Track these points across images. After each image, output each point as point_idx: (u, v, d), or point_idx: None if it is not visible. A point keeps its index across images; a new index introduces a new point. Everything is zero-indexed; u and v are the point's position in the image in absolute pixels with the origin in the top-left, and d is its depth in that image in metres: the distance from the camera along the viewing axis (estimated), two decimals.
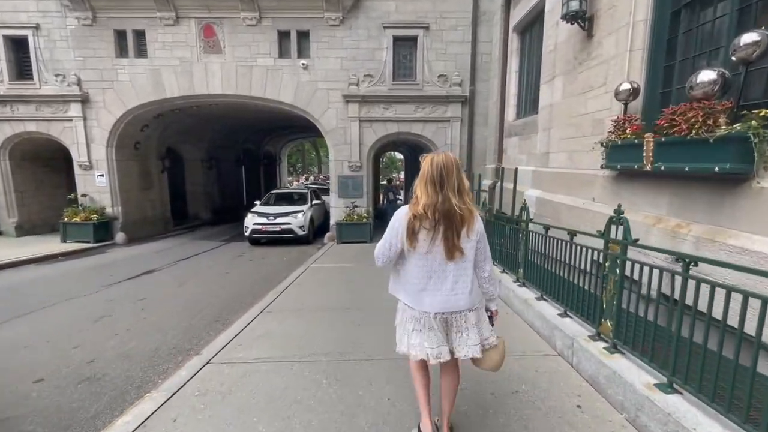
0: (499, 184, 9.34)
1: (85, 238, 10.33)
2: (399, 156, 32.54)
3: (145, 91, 10.31)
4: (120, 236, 10.90)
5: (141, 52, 10.29)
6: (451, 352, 1.99)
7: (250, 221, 10.43)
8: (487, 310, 2.14)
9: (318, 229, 11.78)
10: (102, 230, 10.61)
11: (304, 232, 10.60)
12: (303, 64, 10.18)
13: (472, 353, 1.97)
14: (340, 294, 5.36)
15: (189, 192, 16.52)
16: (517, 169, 7.23)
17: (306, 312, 4.60)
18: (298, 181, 37.94)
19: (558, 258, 3.99)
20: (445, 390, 2.14)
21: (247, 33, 10.08)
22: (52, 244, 10.02)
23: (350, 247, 9.57)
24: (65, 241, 10.34)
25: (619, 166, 4.12)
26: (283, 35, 10.22)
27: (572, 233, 3.71)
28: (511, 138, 8.92)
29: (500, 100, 9.49)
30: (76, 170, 10.73)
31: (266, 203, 11.79)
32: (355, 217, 10.38)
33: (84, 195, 10.69)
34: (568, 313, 3.63)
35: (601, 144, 4.37)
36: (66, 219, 10.40)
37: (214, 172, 17.55)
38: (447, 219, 1.85)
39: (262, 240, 10.74)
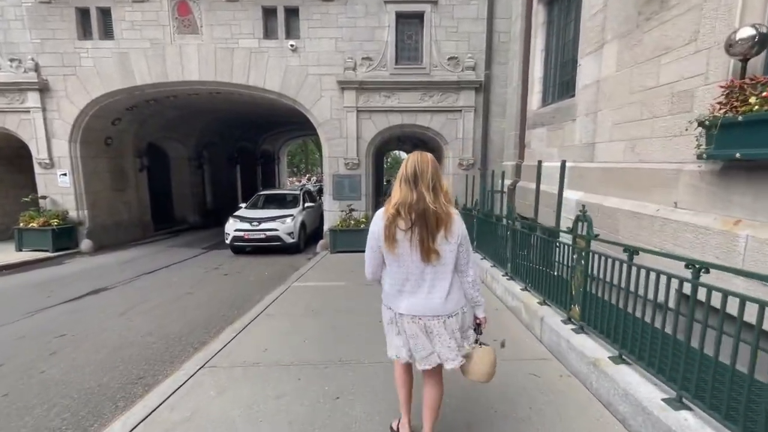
0: (520, 183, 7.90)
1: (43, 246, 9.04)
2: (405, 156, 31.15)
3: (111, 77, 9.00)
4: (85, 243, 9.59)
5: (107, 32, 8.99)
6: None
7: (231, 227, 9.06)
8: (475, 318, 2.07)
9: (312, 235, 10.40)
10: (64, 237, 9.31)
11: (293, 240, 9.21)
12: (292, 45, 8.80)
13: (451, 363, 1.91)
14: (322, 333, 3.94)
15: (175, 193, 15.22)
16: (539, 163, 5.77)
17: (263, 370, 3.18)
18: (300, 181, 36.66)
19: (650, 296, 2.54)
20: (427, 400, 2.06)
21: (228, 10, 8.72)
22: (5, 254, 8.74)
23: (345, 258, 8.17)
24: (20, 250, 9.06)
25: (738, 155, 2.66)
26: (269, 12, 8.85)
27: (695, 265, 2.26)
28: (535, 129, 7.48)
29: (522, 86, 8.05)
30: (36, 169, 9.45)
31: (253, 206, 10.44)
32: (352, 222, 8.98)
33: (44, 197, 9.40)
34: (683, 400, 2.18)
35: (702, 123, 2.91)
36: (22, 224, 9.12)
37: (204, 171, 16.26)
38: (421, 219, 1.81)
39: (247, 248, 9.38)
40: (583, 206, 3.19)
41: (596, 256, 3.07)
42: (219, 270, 7.82)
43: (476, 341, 2.04)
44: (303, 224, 9.86)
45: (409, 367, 2.11)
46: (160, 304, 5.47)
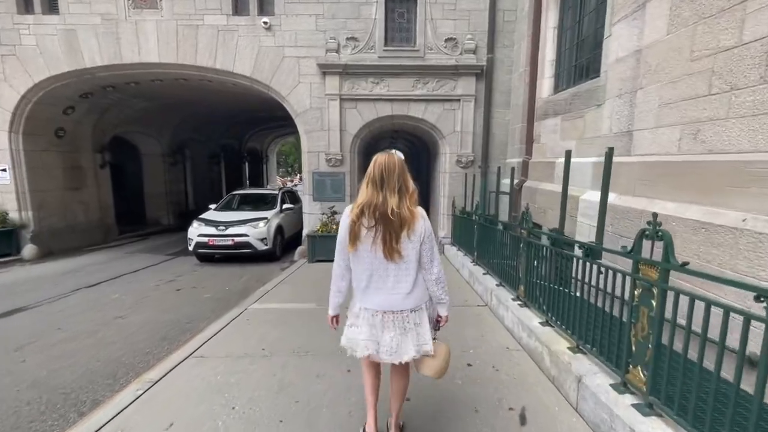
0: (527, 183, 6.79)
1: None
2: (401, 156, 29.71)
3: (57, 58, 7.79)
4: (28, 249, 8.37)
5: (51, 6, 7.78)
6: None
7: (194, 232, 7.87)
8: (438, 315, 2.11)
9: (292, 240, 9.21)
10: (2, 242, 8.08)
11: (266, 246, 8.03)
12: (265, 23, 7.63)
13: (407, 356, 1.93)
14: (266, 395, 2.78)
15: (148, 193, 13.99)
16: (568, 154, 4.66)
17: None
18: (292, 181, 35.40)
19: None
20: (394, 390, 2.13)
21: None
22: None
23: (324, 269, 6.96)
24: None
25: None
26: None
27: None
28: (546, 120, 6.38)
29: (530, 70, 6.96)
30: None
31: (226, 207, 9.25)
32: (334, 227, 7.82)
33: None
34: None
35: None
36: None
37: (181, 169, 15.04)
38: (385, 220, 1.84)
39: (216, 256, 8.19)
40: (654, 217, 2.05)
41: (675, 295, 1.94)
42: (174, 283, 6.62)
43: (433, 338, 2.05)
44: (280, 228, 8.69)
45: (375, 366, 2.13)
46: (75, 336, 4.27)
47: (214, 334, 3.81)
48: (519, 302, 3.94)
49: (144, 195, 13.97)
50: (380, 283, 1.92)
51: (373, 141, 11.99)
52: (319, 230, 7.86)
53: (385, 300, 1.92)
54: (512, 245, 4.44)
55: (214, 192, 17.29)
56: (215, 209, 9.00)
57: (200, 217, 8.33)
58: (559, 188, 5.67)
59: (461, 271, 6.48)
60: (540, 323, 3.37)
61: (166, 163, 13.87)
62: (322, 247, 7.69)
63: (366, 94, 7.84)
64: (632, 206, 3.65)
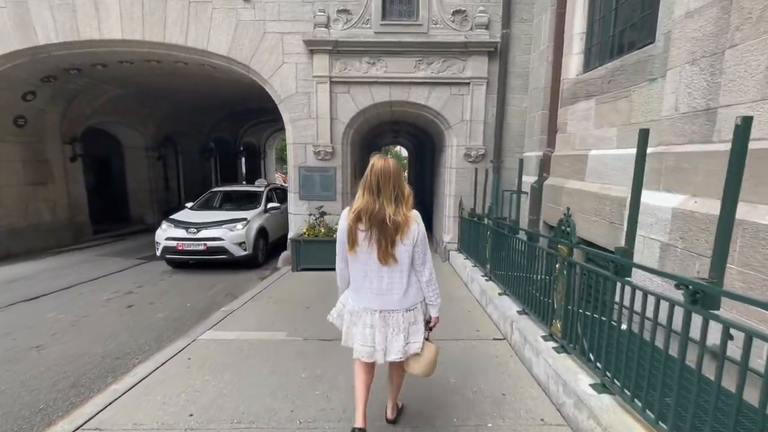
0: (549, 181, 5.70)
1: None
2: (406, 153, 28.20)
3: (6, 35, 6.77)
4: None
5: None
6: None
7: (162, 235, 6.86)
8: (429, 317, 2.15)
9: (279, 243, 8.15)
10: None
11: (245, 252, 7.00)
12: None
13: (395, 356, 1.99)
14: None
15: (132, 189, 13.04)
16: (644, 133, 3.52)
17: None
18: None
19: None
20: (393, 382, 2.27)
21: None
22: None
23: (309, 280, 5.98)
24: None
25: None
26: None
27: None
28: (575, 104, 5.29)
29: (554, 47, 5.88)
30: None
31: (205, 206, 8.23)
32: (322, 230, 6.76)
33: None
34: None
35: None
36: None
37: (170, 163, 14.08)
38: (380, 226, 1.89)
39: (190, 261, 7.17)
40: None
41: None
42: (130, 296, 5.60)
43: (426, 338, 2.10)
44: (263, 231, 7.65)
45: (369, 367, 2.14)
46: None
47: (132, 387, 2.76)
48: (554, 344, 2.85)
49: (127, 191, 13.02)
50: (375, 284, 1.97)
51: (371, 135, 10.93)
52: (305, 233, 6.81)
53: (379, 300, 1.98)
54: (541, 261, 3.36)
55: (206, 188, 16.26)
56: (191, 208, 7.99)
57: (171, 217, 7.33)
58: (591, 186, 4.56)
59: (470, 285, 5.40)
60: (593, 385, 2.28)
61: (150, 157, 12.89)
62: (309, 254, 6.65)
63: (360, 77, 6.75)
64: (713, 213, 2.55)
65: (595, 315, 2.42)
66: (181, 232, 6.76)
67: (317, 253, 6.59)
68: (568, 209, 3.10)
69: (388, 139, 18.47)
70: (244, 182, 17.51)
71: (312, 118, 6.92)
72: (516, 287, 3.90)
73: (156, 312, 4.95)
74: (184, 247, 6.68)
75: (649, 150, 3.50)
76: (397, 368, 2.19)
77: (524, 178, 6.47)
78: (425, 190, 12.65)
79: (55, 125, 9.04)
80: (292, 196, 7.29)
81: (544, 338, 2.98)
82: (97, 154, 14.29)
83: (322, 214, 6.85)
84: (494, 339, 3.64)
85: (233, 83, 8.53)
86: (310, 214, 6.96)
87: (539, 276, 3.33)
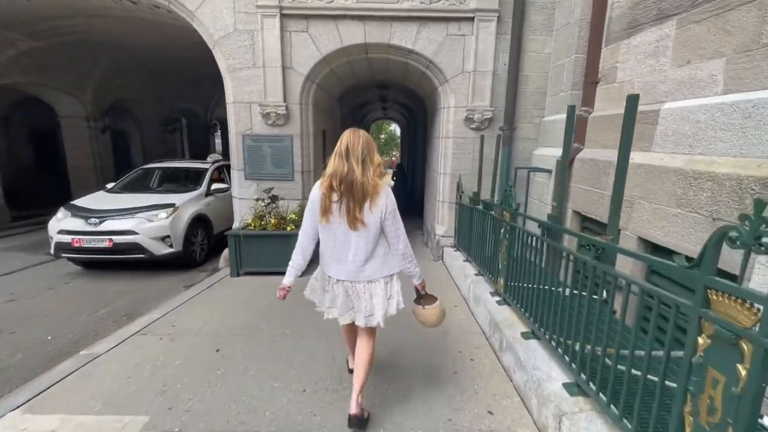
0: (583, 154, 3.98)
1: None
2: (399, 131, 25.91)
3: None
4: None
5: None
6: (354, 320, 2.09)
7: (55, 227, 5.04)
8: (416, 286, 2.25)
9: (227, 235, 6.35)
10: None
11: (170, 249, 5.21)
12: None
13: (366, 323, 2.04)
14: None
15: (72, 166, 11.09)
16: None
17: None
18: None
19: None
20: (357, 361, 2.10)
21: None
22: None
23: (247, 293, 4.27)
24: None
25: None
26: None
27: None
28: (635, 36, 3.53)
29: None
30: None
31: (131, 187, 6.35)
32: (272, 220, 5.00)
33: None
34: None
35: None
36: None
37: (122, 137, 12.12)
38: (349, 190, 1.90)
39: (97, 261, 5.38)
40: None
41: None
42: None
43: (422, 306, 2.26)
44: (202, 220, 5.86)
45: (349, 327, 2.27)
46: None
47: None
48: (584, 398, 1.19)
49: (67, 170, 11.08)
50: (342, 254, 2.00)
51: (354, 105, 9.07)
52: (250, 224, 5.04)
53: (343, 269, 2.01)
54: (578, 276, 1.65)
55: None
56: (110, 190, 6.14)
57: (73, 202, 5.47)
58: (668, 160, 2.84)
59: (474, 308, 3.69)
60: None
61: (92, 128, 10.88)
62: (253, 253, 4.91)
63: (323, 8, 4.85)
64: None
65: None
66: (78, 224, 4.93)
67: (264, 251, 4.85)
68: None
69: (377, 113, 16.49)
70: (209, 157, 15.56)
71: (258, 67, 5.04)
72: (534, 311, 2.20)
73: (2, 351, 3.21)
74: (83, 244, 4.87)
75: None
76: (363, 346, 2.09)
77: (545, 150, 4.72)
78: (416, 172, 10.90)
79: None
80: (235, 175, 5.47)
81: (571, 392, 1.29)
82: (36, 126, 12.33)
83: (273, 198, 5.05)
84: None
85: (183, 41, 6.55)
86: (257, 199, 5.17)
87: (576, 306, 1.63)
